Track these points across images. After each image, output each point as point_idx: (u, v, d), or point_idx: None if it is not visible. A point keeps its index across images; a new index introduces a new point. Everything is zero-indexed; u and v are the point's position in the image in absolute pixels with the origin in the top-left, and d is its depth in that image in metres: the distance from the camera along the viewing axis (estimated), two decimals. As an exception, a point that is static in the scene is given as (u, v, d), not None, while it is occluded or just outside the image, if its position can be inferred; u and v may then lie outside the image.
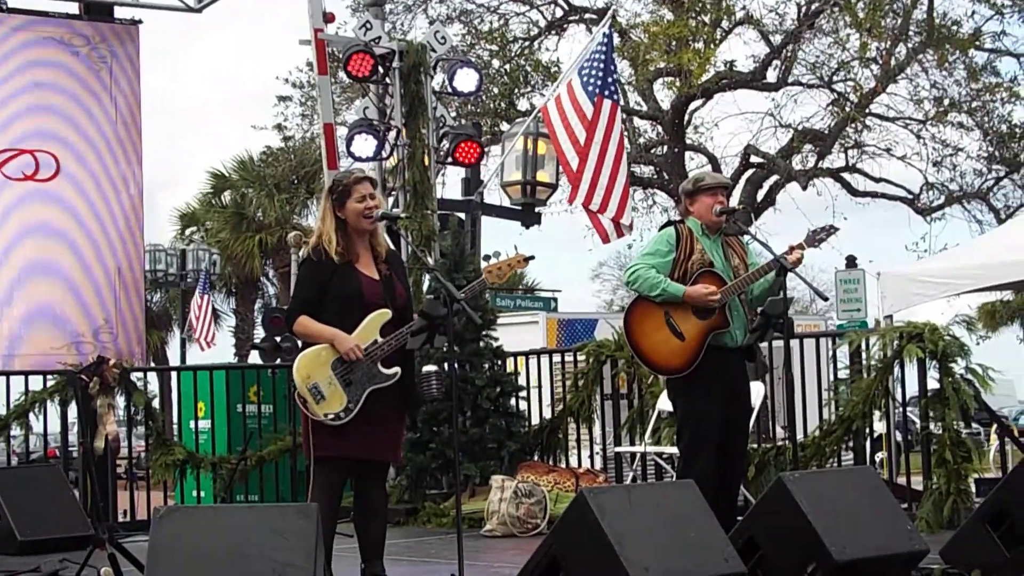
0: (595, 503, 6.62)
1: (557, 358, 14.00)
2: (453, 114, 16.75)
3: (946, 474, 10.57)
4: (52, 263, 14.72)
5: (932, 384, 10.94)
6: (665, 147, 27.41)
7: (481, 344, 13.08)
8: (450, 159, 14.28)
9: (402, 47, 14.16)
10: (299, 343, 7.66)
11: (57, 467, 12.35)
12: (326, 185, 7.77)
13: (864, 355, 11.51)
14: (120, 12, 15.44)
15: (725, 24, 26.12)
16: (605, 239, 14.61)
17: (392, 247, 7.91)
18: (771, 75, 27.01)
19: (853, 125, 26.32)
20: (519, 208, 19.61)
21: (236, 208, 38.36)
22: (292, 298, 7.81)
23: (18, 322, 14.50)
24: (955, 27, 25.36)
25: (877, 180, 27.80)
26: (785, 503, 7.19)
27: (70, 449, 13.92)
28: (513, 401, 13.22)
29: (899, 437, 13.52)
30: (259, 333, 34.26)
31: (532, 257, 8.00)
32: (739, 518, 8.11)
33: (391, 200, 14.11)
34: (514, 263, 7.88)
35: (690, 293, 8.68)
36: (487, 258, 7.94)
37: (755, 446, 11.50)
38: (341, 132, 14.82)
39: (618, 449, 12.94)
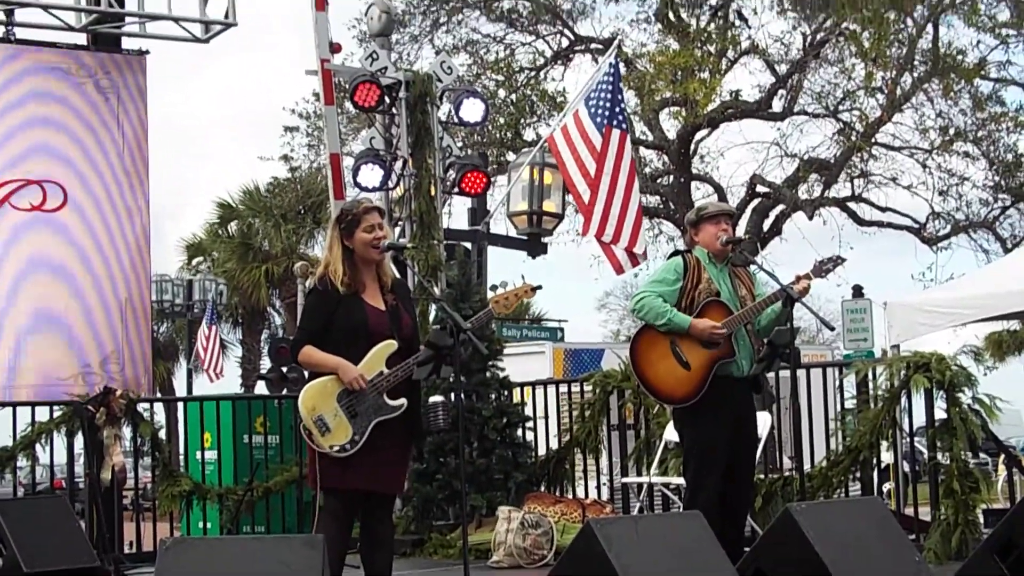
0: (602, 534, 6.60)
1: (564, 388, 13.97)
2: (459, 144, 16.77)
3: (954, 505, 10.54)
4: (59, 294, 14.75)
5: (939, 414, 10.92)
6: (671, 177, 27.48)
7: (488, 374, 13.06)
8: (456, 189, 14.30)
9: (408, 77, 14.18)
10: (306, 374, 7.65)
11: (63, 498, 12.32)
12: (333, 215, 7.77)
13: (871, 385, 11.49)
14: (128, 43, 15.50)
15: (731, 54, 26.24)
16: (619, 270, 14.59)
17: (399, 277, 7.89)
18: (777, 105, 27.10)
19: (859, 155, 26.39)
20: (525, 238, 19.61)
21: (243, 238, 38.38)
22: (298, 329, 7.80)
23: (25, 352, 14.52)
24: (960, 56, 25.44)
25: (883, 209, 27.86)
26: (792, 534, 7.16)
27: (76, 480, 13.89)
28: (520, 432, 13.19)
29: (906, 467, 13.50)
30: (265, 363, 34.23)
31: (539, 287, 7.99)
32: (746, 549, 8.09)
33: (398, 230, 14.12)
34: (521, 293, 7.87)
35: (696, 326, 8.68)
36: (494, 288, 7.94)
37: (762, 476, 11.48)
38: (348, 162, 14.89)
39: (625, 480, 12.91)
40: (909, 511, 11.92)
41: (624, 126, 14.58)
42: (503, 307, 7.79)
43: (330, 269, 7.50)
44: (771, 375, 9.20)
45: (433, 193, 14.05)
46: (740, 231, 24.41)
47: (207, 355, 31.01)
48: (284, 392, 15.74)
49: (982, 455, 17.61)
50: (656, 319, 8.74)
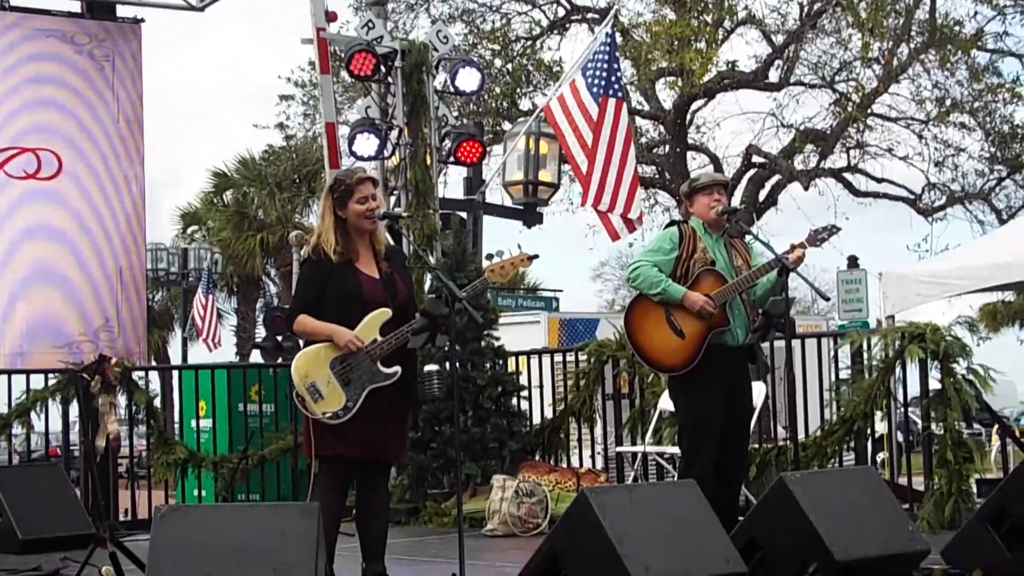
0: (596, 503, 6.62)
1: (559, 358, 13.98)
2: (455, 113, 16.73)
3: (947, 474, 10.56)
4: (54, 262, 14.74)
5: (934, 384, 10.93)
6: (667, 147, 27.44)
7: (483, 344, 13.07)
8: (452, 158, 14.29)
9: (404, 46, 14.16)
10: (300, 343, 7.65)
11: (58, 466, 12.34)
12: (327, 184, 7.75)
13: (866, 355, 11.50)
14: (122, 11, 15.45)
15: (727, 24, 26.14)
16: (615, 237, 14.61)
17: (395, 245, 7.89)
18: (773, 75, 27.04)
19: (855, 125, 26.35)
20: (521, 208, 19.59)
21: (238, 207, 38.35)
22: (292, 298, 7.79)
23: (20, 320, 14.52)
24: (957, 27, 25.39)
25: (879, 180, 27.84)
26: (786, 503, 7.18)
27: (71, 448, 13.92)
28: (514, 401, 13.21)
29: (900, 437, 13.52)
30: (260, 332, 34.28)
31: (536, 256, 7.95)
32: (740, 518, 8.11)
33: (393, 199, 14.12)
34: (517, 262, 7.85)
35: (689, 297, 8.68)
36: (490, 257, 7.91)
37: (756, 446, 11.50)
38: (343, 131, 14.85)
39: (619, 449, 12.93)
40: (903, 481, 11.96)
41: (620, 95, 14.57)
42: (499, 276, 7.78)
43: (322, 239, 7.49)
44: (766, 345, 9.19)
45: (429, 162, 14.04)
46: (736, 201, 24.40)
47: (204, 324, 31.00)
48: (279, 361, 15.74)
49: (976, 425, 17.64)
50: (650, 288, 8.74)
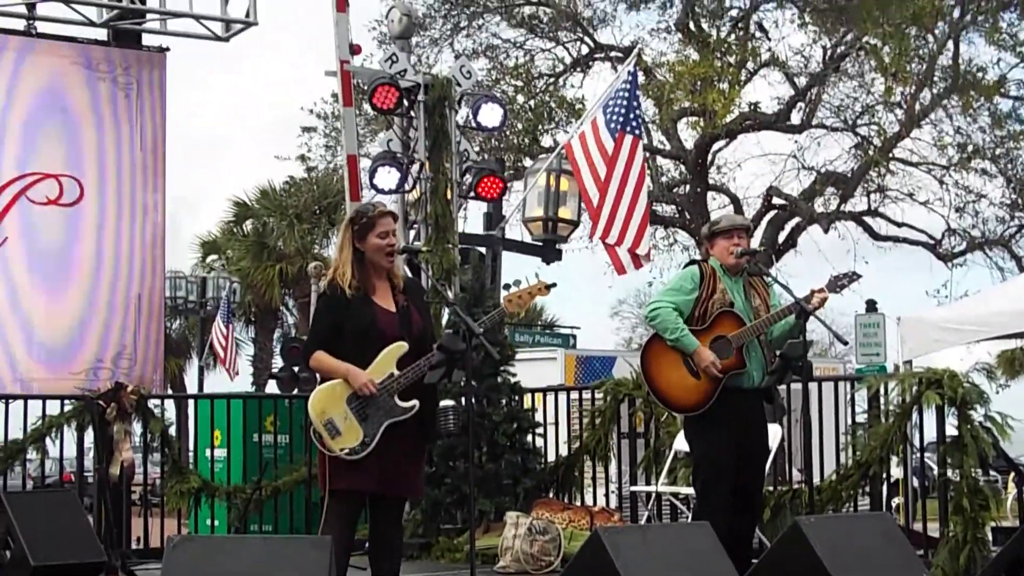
0: (610, 542, 6.60)
1: (575, 395, 13.95)
2: (477, 149, 16.76)
3: (963, 522, 10.51)
4: (73, 288, 14.76)
5: (950, 431, 10.90)
6: (688, 186, 27.47)
7: (499, 379, 13.05)
8: (472, 193, 14.28)
9: (427, 80, 14.19)
10: (317, 376, 7.65)
11: (72, 492, 12.33)
12: (347, 216, 7.75)
13: (882, 400, 11.48)
14: (148, 39, 15.51)
15: (750, 65, 26.22)
16: (621, 271, 14.60)
17: (413, 278, 7.88)
18: (795, 117, 27.09)
19: (876, 169, 26.35)
20: (540, 244, 19.58)
21: (257, 237, 38.42)
22: (308, 333, 7.79)
23: (37, 346, 14.53)
24: (980, 74, 25.40)
25: (899, 225, 27.83)
26: (800, 547, 7.16)
27: (85, 474, 13.91)
28: (529, 437, 13.19)
29: (916, 483, 13.46)
30: (277, 362, 34.26)
31: (554, 284, 7.93)
32: (754, 560, 8.08)
33: (413, 233, 14.13)
34: (534, 291, 7.83)
35: (699, 354, 8.69)
36: (507, 287, 7.90)
37: (771, 488, 11.46)
38: (364, 164, 14.85)
39: (634, 488, 12.90)
40: (918, 527, 11.89)
41: (638, 132, 14.57)
42: (516, 306, 7.76)
43: (338, 272, 7.49)
44: (783, 387, 9.18)
45: (449, 197, 14.04)
46: (755, 243, 24.39)
47: (226, 353, 31.06)
48: (295, 392, 15.74)
49: (992, 472, 17.54)
50: (667, 332, 8.75)
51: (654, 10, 26.92)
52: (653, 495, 12.21)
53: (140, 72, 15.28)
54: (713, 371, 8.63)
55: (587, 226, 24.05)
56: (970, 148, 26.03)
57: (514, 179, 24.54)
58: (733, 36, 26.37)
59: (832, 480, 11.43)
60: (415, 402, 7.39)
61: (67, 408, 12.79)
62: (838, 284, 8.86)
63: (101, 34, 15.43)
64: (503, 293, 7.92)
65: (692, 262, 9.30)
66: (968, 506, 10.51)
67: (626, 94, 14.48)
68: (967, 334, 13.62)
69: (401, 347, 7.40)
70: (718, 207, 27.25)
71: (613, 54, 27.23)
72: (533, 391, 13.73)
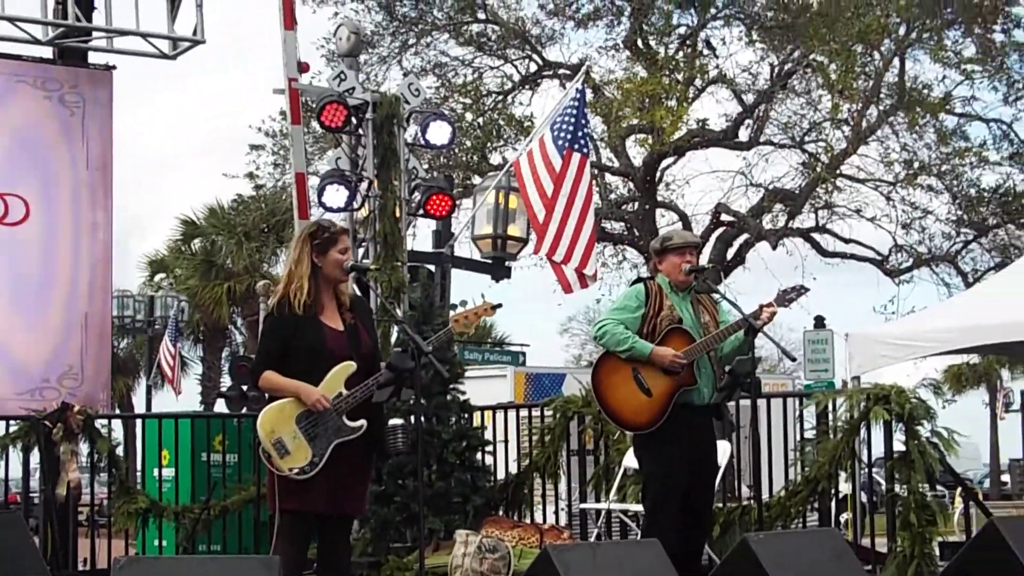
0: (559, 560, 6.60)
1: (524, 413, 13.95)
2: (425, 166, 16.78)
3: (911, 537, 10.56)
4: (19, 307, 14.64)
5: (898, 446, 10.95)
6: (636, 203, 27.53)
7: (448, 397, 13.03)
8: (421, 211, 14.27)
9: (376, 98, 14.17)
10: (266, 395, 7.62)
11: (17, 514, 12.23)
12: (304, 230, 7.70)
13: (831, 416, 11.52)
14: (94, 57, 15.42)
15: (698, 83, 26.33)
16: (567, 289, 14.63)
17: (359, 295, 7.87)
18: (743, 134, 27.21)
19: (824, 186, 26.48)
20: (489, 261, 19.61)
21: (205, 255, 38.29)
22: (256, 353, 7.76)
23: (-18, 365, 14.42)
24: (926, 91, 25.60)
25: (847, 241, 27.95)
26: (749, 563, 7.18)
27: (31, 495, 13.80)
28: (479, 455, 13.17)
29: (864, 499, 13.52)
30: (226, 381, 34.17)
31: (499, 305, 7.98)
32: (703, 577, 8.09)
33: (361, 251, 14.10)
34: (481, 311, 7.86)
35: (658, 353, 8.68)
36: (454, 307, 7.93)
37: (720, 505, 11.48)
38: (313, 182, 14.80)
39: (583, 505, 12.90)
40: (866, 542, 11.94)
41: (585, 151, 14.60)
42: (463, 326, 7.78)
43: (293, 287, 7.45)
44: (731, 404, 9.20)
45: (398, 215, 14.02)
46: (704, 259, 24.46)
47: (173, 372, 30.96)
48: (244, 410, 15.69)
49: (939, 488, 17.66)
50: (618, 346, 8.75)
51: (602, 28, 27.02)
52: (603, 512, 12.22)
53: (86, 90, 15.18)
54: (678, 363, 8.63)
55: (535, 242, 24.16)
56: (916, 165, 26.21)
57: (463, 197, 24.53)
58: (681, 53, 26.47)
59: (781, 496, 11.46)
60: (363, 421, 7.38)
61: (12, 428, 12.70)
62: (786, 298, 8.90)
63: (46, 52, 15.33)
64: (451, 313, 7.93)
65: (638, 280, 9.31)
66: (916, 521, 10.56)
67: (574, 111, 14.51)
68: (914, 350, 13.69)
69: (349, 367, 7.39)
70: (667, 224, 27.34)
71: (561, 72, 27.28)
72: (483, 409, 13.71)
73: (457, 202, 18.16)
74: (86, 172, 15.06)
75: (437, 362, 7.49)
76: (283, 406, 7.33)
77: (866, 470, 11.98)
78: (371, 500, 12.17)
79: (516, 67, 27.87)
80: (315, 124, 16.01)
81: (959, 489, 15.03)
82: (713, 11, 26.25)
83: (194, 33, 15.40)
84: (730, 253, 27.68)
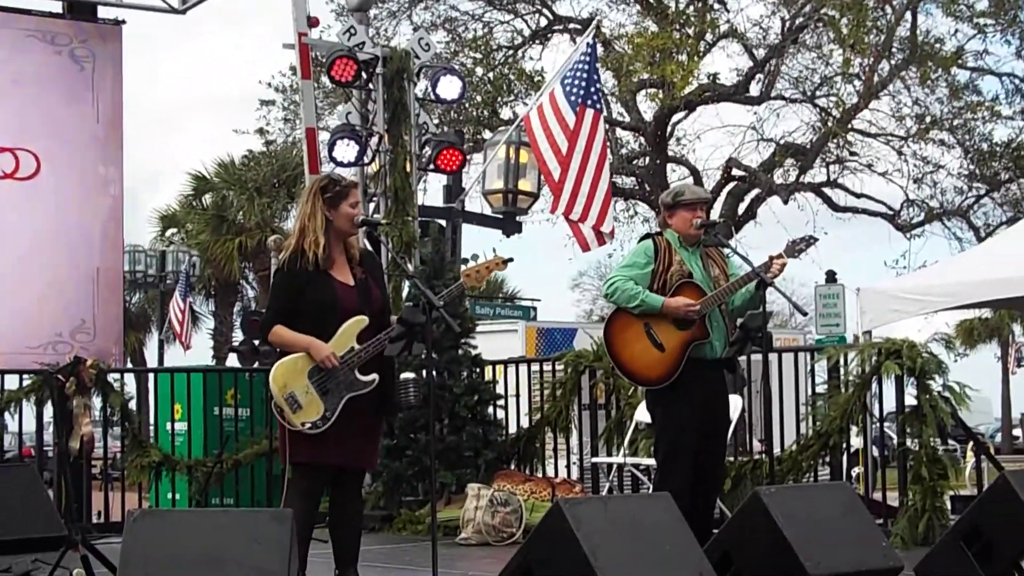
0: (571, 513, 6.60)
1: (536, 367, 13.98)
2: (436, 121, 16.74)
3: (922, 491, 10.59)
4: (31, 262, 14.69)
5: (909, 400, 10.96)
6: (647, 158, 27.46)
7: (459, 352, 13.06)
8: (432, 166, 14.26)
9: (386, 53, 14.14)
10: (277, 350, 7.62)
11: (32, 467, 12.29)
12: (315, 185, 7.65)
13: (842, 370, 11.53)
14: (103, 12, 15.41)
15: (709, 37, 26.20)
16: (585, 248, 14.60)
17: (370, 250, 7.87)
18: (754, 89, 27.10)
19: (835, 140, 26.39)
20: (500, 216, 19.61)
21: (216, 210, 38.25)
22: (267, 308, 7.74)
23: (-5, 321, 14.46)
24: (938, 45, 25.46)
25: (858, 196, 27.90)
26: (760, 517, 7.18)
27: (45, 449, 13.86)
28: (490, 409, 13.21)
29: (875, 453, 13.54)
30: (237, 336, 34.20)
31: (511, 259, 7.96)
32: (714, 531, 8.11)
33: (372, 206, 14.10)
34: (492, 265, 7.85)
35: (669, 304, 8.66)
36: (465, 261, 7.93)
37: (732, 459, 11.50)
38: (323, 137, 14.82)
39: (595, 460, 12.93)
40: (877, 496, 11.98)
41: (599, 106, 14.56)
42: (474, 280, 7.78)
43: (308, 240, 7.41)
44: (743, 358, 9.19)
45: (408, 170, 14.02)
46: (715, 214, 24.43)
47: (182, 327, 30.96)
48: (255, 365, 15.69)
49: (951, 442, 17.63)
50: (629, 302, 8.73)
51: (613, -19, 26.88)
52: (615, 466, 12.25)
53: (96, 45, 15.18)
54: (692, 311, 8.62)
55: (547, 199, 24.12)
56: (928, 119, 26.11)
57: (473, 151, 24.51)
58: (691, 7, 26.33)
59: (792, 450, 11.49)
60: (375, 376, 7.38)
61: (26, 383, 12.74)
62: (796, 249, 8.86)
63: (56, 6, 15.33)
64: (463, 268, 7.93)
65: (646, 236, 9.28)
66: (927, 475, 10.59)
67: (585, 67, 14.45)
68: (926, 304, 13.67)
69: (361, 321, 7.39)
70: (677, 179, 27.26)
71: (572, 26, 27.17)
72: (494, 363, 13.74)
73: (468, 157, 18.13)
74: (96, 127, 15.09)
75: (448, 316, 7.48)
76: (295, 360, 7.33)
77: (877, 424, 12.00)
78: (383, 454, 12.22)
79: (526, 21, 27.78)
80: (325, 79, 15.98)
81: (971, 443, 15.05)
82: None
83: (203, -13, 15.39)
84: (741, 208, 27.63)
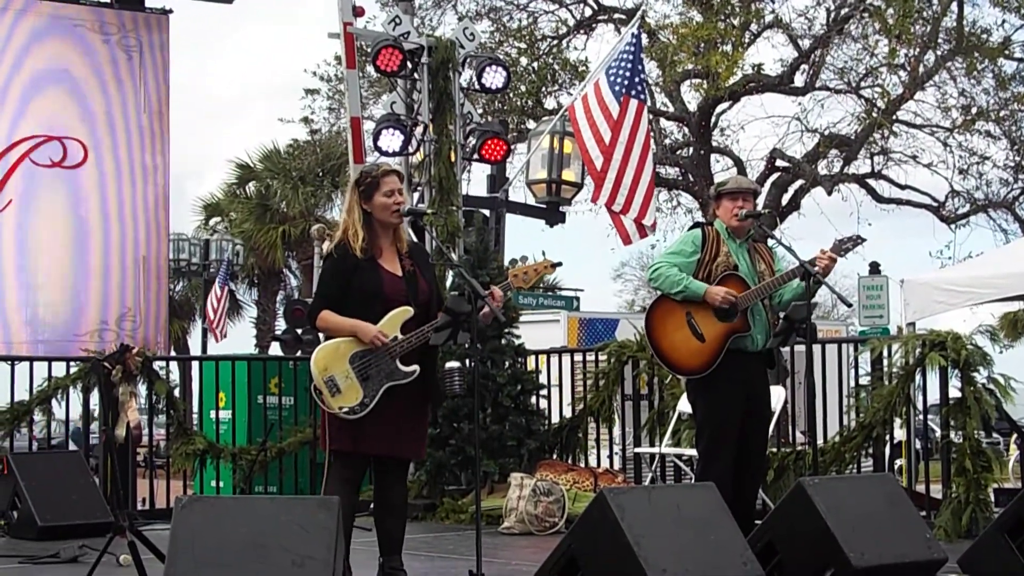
0: (615, 503, 6.63)
1: (578, 357, 13.99)
2: (480, 111, 16.75)
3: (965, 483, 10.56)
4: (77, 250, 14.79)
5: (953, 393, 10.93)
6: (691, 149, 27.43)
7: (503, 341, 13.09)
8: (476, 156, 14.28)
9: (431, 43, 14.17)
10: (321, 336, 7.66)
11: (78, 454, 12.40)
12: (352, 178, 7.75)
13: (886, 362, 11.50)
14: (151, 2, 15.48)
15: (754, 27, 26.14)
16: (626, 240, 14.59)
17: (416, 241, 7.89)
18: (799, 79, 27.01)
19: (880, 131, 26.29)
20: (543, 206, 19.63)
21: (260, 199, 38.37)
22: (314, 295, 7.79)
23: (43, 308, 14.56)
24: (985, 36, 25.33)
25: (902, 187, 27.79)
26: (804, 508, 7.19)
27: (91, 436, 13.95)
28: (533, 399, 13.24)
29: (919, 445, 13.51)
30: (280, 325, 34.32)
31: (559, 263, 7.97)
32: (757, 521, 8.12)
33: (416, 195, 14.13)
34: (540, 268, 7.85)
35: (711, 291, 8.69)
36: (513, 262, 7.93)
37: (775, 450, 11.51)
38: (368, 126, 14.84)
39: (637, 450, 12.95)
40: (921, 488, 11.95)
41: (642, 97, 14.55)
42: (521, 281, 7.76)
43: (349, 233, 7.48)
44: (786, 349, 9.18)
45: (453, 159, 14.05)
46: (759, 205, 24.35)
47: (217, 316, 31.01)
48: (299, 353, 15.79)
49: (995, 434, 17.59)
50: (671, 287, 8.75)
51: (658, -28, 26.84)
52: (657, 456, 12.26)
53: (143, 34, 15.26)
54: (731, 299, 8.63)
55: (591, 189, 24.13)
56: (974, 110, 25.96)
57: (517, 141, 24.53)
58: (737, -2, 26.28)
59: (835, 442, 11.47)
60: (416, 367, 7.40)
61: (73, 370, 12.83)
62: (843, 248, 8.86)
63: (104, -4, 15.40)
64: (508, 266, 7.93)
65: (696, 225, 9.30)
66: (971, 467, 10.56)
67: (630, 57, 14.46)
68: (970, 296, 13.63)
69: (406, 311, 7.41)
70: (721, 169, 27.25)
71: (616, 16, 27.16)
72: (537, 353, 13.77)
73: (512, 147, 18.15)
74: (143, 116, 15.17)
75: (493, 306, 7.50)
76: (338, 345, 7.36)
77: (921, 416, 11.97)
78: (427, 443, 12.25)
79: (571, 11, 27.76)
80: (370, 68, 16.01)
81: (1015, 436, 15.01)
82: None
83: (250, -23, 15.42)
84: (785, 199, 27.55)
